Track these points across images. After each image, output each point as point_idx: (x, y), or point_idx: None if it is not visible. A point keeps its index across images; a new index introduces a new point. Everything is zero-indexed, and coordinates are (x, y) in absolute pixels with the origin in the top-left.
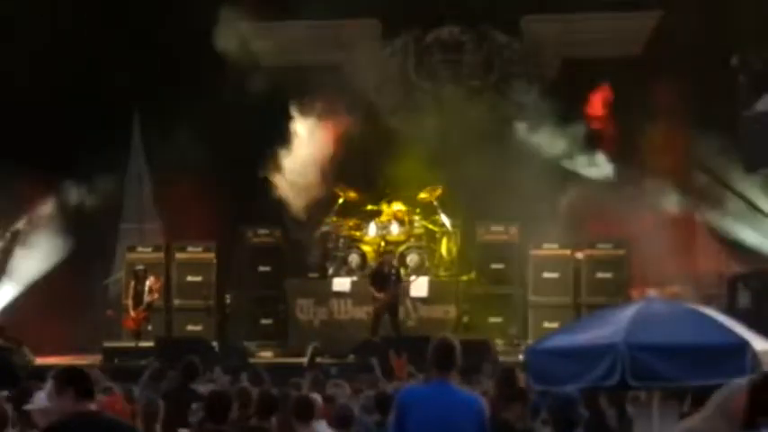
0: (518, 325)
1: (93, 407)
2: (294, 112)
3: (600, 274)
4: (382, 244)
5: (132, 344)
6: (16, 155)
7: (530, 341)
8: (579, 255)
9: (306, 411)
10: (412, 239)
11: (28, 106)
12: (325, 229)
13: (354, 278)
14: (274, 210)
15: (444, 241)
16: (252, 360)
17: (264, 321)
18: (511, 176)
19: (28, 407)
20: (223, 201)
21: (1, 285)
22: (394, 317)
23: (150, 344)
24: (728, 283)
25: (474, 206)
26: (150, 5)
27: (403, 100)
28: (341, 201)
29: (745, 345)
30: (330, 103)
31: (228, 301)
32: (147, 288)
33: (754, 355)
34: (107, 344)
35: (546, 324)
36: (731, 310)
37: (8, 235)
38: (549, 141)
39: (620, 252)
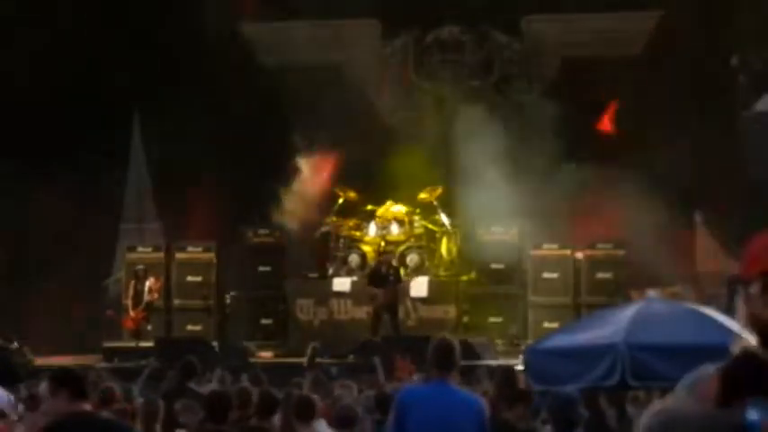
0: (518, 325)
1: (88, 407)
2: (298, 145)
3: (600, 274)
4: (382, 244)
5: (132, 344)
6: (16, 155)
7: (530, 341)
8: (579, 255)
9: (306, 411)
10: (412, 239)
11: (28, 106)
12: (325, 229)
13: (354, 278)
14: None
15: (444, 241)
16: (252, 360)
17: (264, 321)
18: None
19: None
20: (223, 201)
21: None
22: (394, 317)
23: (150, 344)
24: (728, 283)
25: (474, 206)
26: (150, 5)
27: (403, 100)
28: (341, 201)
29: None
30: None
31: (228, 301)
32: (146, 288)
33: None
34: (107, 344)
35: (546, 324)
36: (731, 310)
37: None
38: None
39: (620, 252)
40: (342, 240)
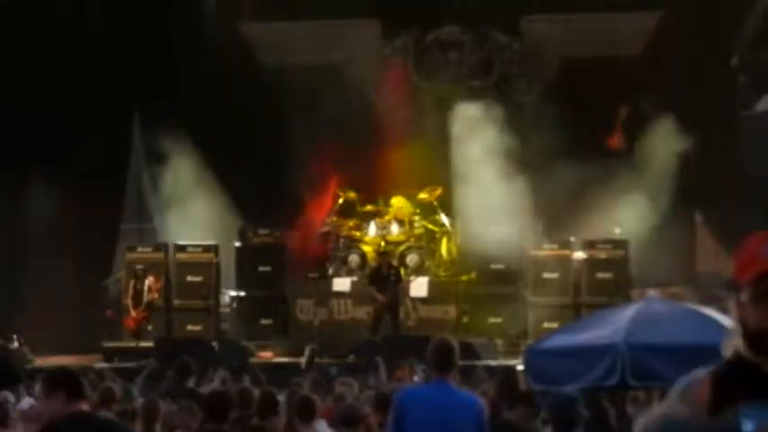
0: (518, 325)
1: (85, 407)
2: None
3: (600, 275)
4: (382, 244)
5: (132, 344)
6: (16, 155)
7: (530, 341)
8: (579, 255)
9: (307, 411)
10: (412, 239)
11: (28, 106)
12: (325, 229)
13: (354, 278)
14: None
15: (444, 241)
16: (252, 360)
17: (264, 321)
18: (511, 176)
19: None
20: (223, 201)
21: None
22: (394, 317)
23: (150, 344)
24: (728, 283)
25: (474, 206)
26: (151, 5)
27: (403, 100)
28: (341, 201)
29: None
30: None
31: (228, 301)
32: (146, 288)
33: None
34: (107, 344)
35: (546, 324)
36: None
37: None
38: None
39: (620, 252)
40: (342, 240)
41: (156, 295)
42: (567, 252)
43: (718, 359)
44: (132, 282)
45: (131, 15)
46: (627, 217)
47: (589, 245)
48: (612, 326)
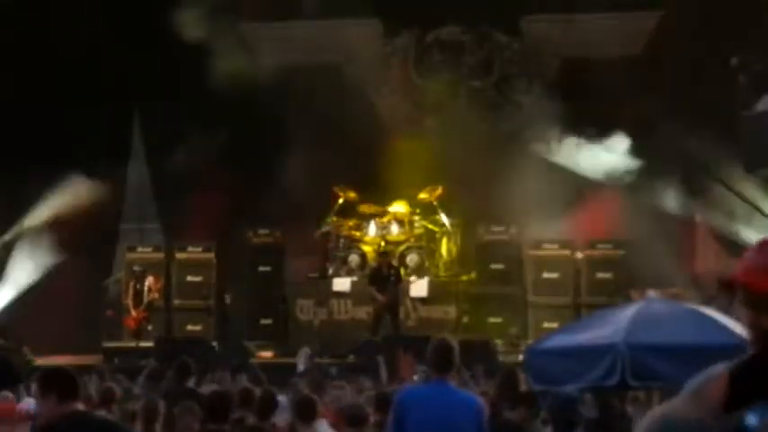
0: (518, 325)
1: (80, 407)
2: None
3: (600, 274)
4: (382, 244)
5: (132, 344)
6: (16, 155)
7: (530, 341)
8: (579, 255)
9: (307, 411)
10: (412, 239)
11: (28, 106)
12: (325, 229)
13: (354, 278)
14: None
15: (444, 241)
16: (252, 360)
17: (264, 321)
18: (512, 176)
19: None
20: (223, 201)
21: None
22: (394, 317)
23: (150, 344)
24: (728, 284)
25: (474, 206)
26: (151, 5)
27: (403, 100)
28: (341, 201)
29: (745, 345)
30: None
31: (228, 301)
32: (146, 288)
33: None
34: (107, 344)
35: (546, 324)
36: (731, 311)
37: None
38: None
39: (620, 252)
40: (342, 240)
41: (156, 295)
42: (567, 252)
43: (718, 359)
44: (132, 282)
45: (131, 15)
46: (627, 216)
47: (589, 245)
48: (612, 326)
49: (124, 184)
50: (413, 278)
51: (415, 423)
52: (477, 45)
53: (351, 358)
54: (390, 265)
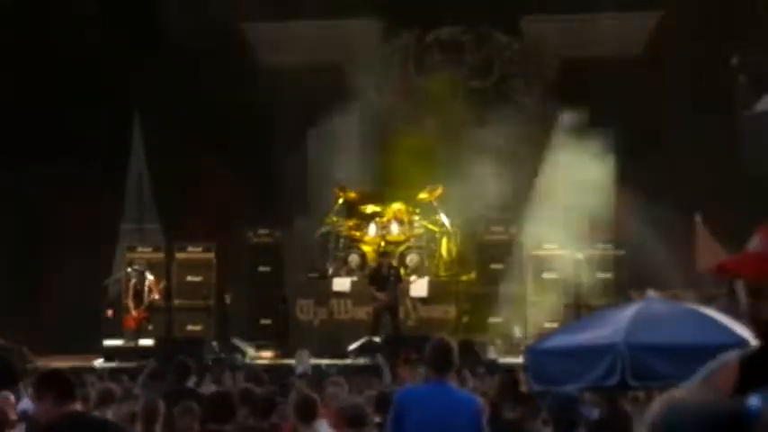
0: (518, 325)
1: (77, 407)
2: None
3: (600, 274)
4: (382, 244)
5: (132, 344)
6: (16, 154)
7: (530, 341)
8: (579, 255)
9: (308, 411)
10: (412, 239)
11: (28, 106)
12: (325, 229)
13: (354, 278)
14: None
15: (444, 241)
16: (252, 360)
17: (264, 321)
18: (512, 176)
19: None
20: (223, 201)
21: None
22: (394, 317)
23: (150, 344)
24: (728, 283)
25: (474, 206)
26: (151, 5)
27: (403, 100)
28: (341, 201)
29: (745, 344)
30: None
31: (228, 301)
32: (146, 288)
33: None
34: (107, 344)
35: (546, 324)
36: (731, 311)
37: None
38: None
39: (620, 252)
40: (342, 240)
41: (156, 295)
42: (567, 252)
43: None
44: (132, 282)
45: (131, 16)
46: (627, 216)
47: (589, 245)
48: (612, 326)
49: (124, 185)
50: (413, 278)
51: (414, 423)
52: (476, 45)
53: (351, 358)
54: (390, 265)
